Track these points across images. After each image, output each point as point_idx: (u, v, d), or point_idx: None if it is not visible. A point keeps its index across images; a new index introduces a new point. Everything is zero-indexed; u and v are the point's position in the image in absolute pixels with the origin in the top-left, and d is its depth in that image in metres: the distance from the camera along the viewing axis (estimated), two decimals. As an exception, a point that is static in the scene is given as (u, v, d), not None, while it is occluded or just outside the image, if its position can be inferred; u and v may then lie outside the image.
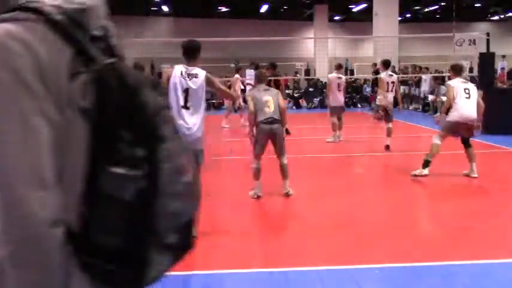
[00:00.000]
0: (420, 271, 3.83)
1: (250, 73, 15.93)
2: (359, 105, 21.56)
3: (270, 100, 5.94)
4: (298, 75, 26.15)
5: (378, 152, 9.60)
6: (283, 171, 6.17)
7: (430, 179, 7.17)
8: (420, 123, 14.25)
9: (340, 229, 4.99)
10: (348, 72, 28.27)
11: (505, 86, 14.46)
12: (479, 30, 19.59)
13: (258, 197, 6.11)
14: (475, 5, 32.88)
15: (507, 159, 9.05)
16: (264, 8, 31.92)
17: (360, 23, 31.11)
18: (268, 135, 5.94)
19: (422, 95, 18.84)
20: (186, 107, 4.40)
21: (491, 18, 38.10)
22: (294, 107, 21.30)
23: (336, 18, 36.17)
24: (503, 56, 20.84)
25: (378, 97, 9.95)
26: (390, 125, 9.56)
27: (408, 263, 4.00)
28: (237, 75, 14.92)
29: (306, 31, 34.84)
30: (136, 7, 31.28)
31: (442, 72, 23.21)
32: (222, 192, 6.54)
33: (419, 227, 5.20)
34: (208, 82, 4.54)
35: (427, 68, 20.89)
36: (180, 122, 4.28)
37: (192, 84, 4.43)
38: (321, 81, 25.23)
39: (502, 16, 36.88)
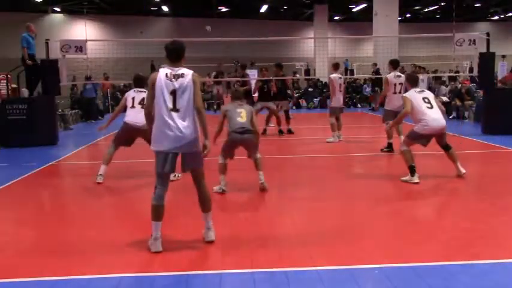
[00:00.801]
0: (420, 271, 3.82)
1: (251, 73, 15.95)
2: (359, 105, 21.56)
3: (243, 112, 6.36)
4: (297, 75, 26.14)
5: (378, 152, 9.59)
6: (257, 164, 6.50)
7: (429, 179, 7.16)
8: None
9: (340, 229, 4.99)
10: (348, 72, 28.25)
11: (505, 86, 14.43)
12: (479, 30, 19.56)
13: (223, 191, 6.34)
14: (475, 5, 32.87)
15: (507, 159, 9.04)
16: (264, 8, 31.91)
17: (359, 23, 31.11)
18: (239, 143, 6.40)
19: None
20: (175, 109, 4.31)
21: (491, 18, 38.10)
22: (294, 107, 21.32)
23: (336, 18, 36.17)
24: (503, 56, 20.82)
25: (386, 100, 9.35)
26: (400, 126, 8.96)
27: (408, 263, 4.00)
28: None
29: (306, 31, 34.84)
30: (136, 7, 31.27)
31: (444, 72, 23.26)
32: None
33: (419, 227, 5.19)
34: (194, 82, 4.38)
35: (424, 68, 20.89)
36: (172, 124, 4.26)
37: (178, 84, 4.33)
38: (321, 81, 25.23)
39: (502, 16, 36.87)
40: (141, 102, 7.04)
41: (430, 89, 17.99)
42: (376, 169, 8.46)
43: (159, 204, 4.40)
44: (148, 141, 4.70)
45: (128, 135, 7.41)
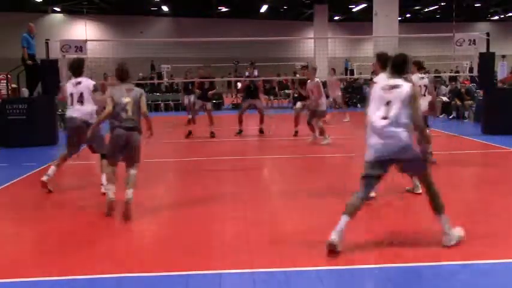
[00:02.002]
0: (420, 271, 3.82)
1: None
2: (359, 105, 21.54)
3: (130, 103, 5.45)
4: (297, 75, 26.13)
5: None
6: (128, 179, 5.52)
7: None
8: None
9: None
10: (348, 72, 28.27)
11: (505, 86, 14.44)
12: (479, 30, 19.56)
13: (111, 201, 5.50)
14: (475, 5, 32.88)
15: (507, 159, 9.04)
16: (264, 8, 31.92)
17: (359, 23, 31.11)
18: (122, 142, 5.47)
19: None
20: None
21: (491, 18, 38.10)
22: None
23: (336, 18, 36.19)
24: (503, 56, 20.82)
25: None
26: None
27: (408, 263, 4.00)
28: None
29: (306, 31, 34.86)
30: (136, 7, 31.28)
31: (445, 72, 23.25)
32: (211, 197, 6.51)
33: (419, 227, 5.19)
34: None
35: (424, 68, 20.89)
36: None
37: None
38: (321, 82, 25.25)
39: (502, 16, 36.88)
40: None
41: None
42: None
43: None
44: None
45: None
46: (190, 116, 13.06)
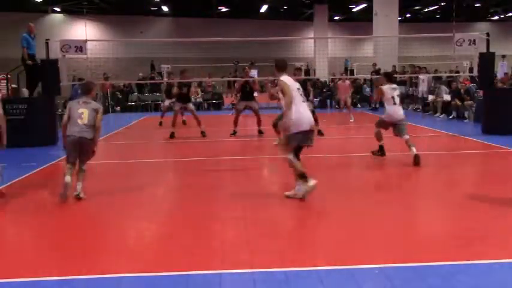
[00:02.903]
0: (420, 271, 3.83)
1: (251, 73, 15.95)
2: (359, 105, 21.55)
3: (85, 112, 6.28)
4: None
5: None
6: (80, 175, 6.40)
7: (428, 180, 7.16)
8: (420, 124, 14.24)
9: (340, 229, 4.99)
10: (348, 72, 28.28)
11: (505, 86, 14.44)
12: (479, 30, 19.58)
13: (65, 198, 6.12)
14: (475, 5, 32.89)
15: (507, 159, 9.04)
16: (264, 8, 31.92)
17: (359, 23, 31.13)
18: (76, 145, 6.29)
19: (420, 95, 18.83)
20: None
21: (491, 18, 38.11)
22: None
23: (336, 18, 36.19)
24: (503, 56, 20.83)
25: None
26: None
27: (408, 263, 4.00)
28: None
29: (306, 31, 34.86)
30: (136, 7, 31.28)
31: (445, 72, 23.25)
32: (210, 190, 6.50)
33: (419, 227, 5.20)
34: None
35: (424, 68, 20.90)
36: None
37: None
38: (321, 81, 25.25)
39: (502, 16, 36.88)
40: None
41: (430, 89, 18.02)
42: (376, 168, 8.45)
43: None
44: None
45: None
46: (162, 119, 14.55)
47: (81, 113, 6.25)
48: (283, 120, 6.09)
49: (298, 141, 5.99)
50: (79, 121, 6.22)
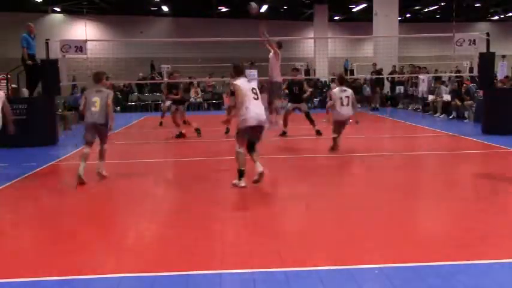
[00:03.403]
0: (420, 271, 3.83)
1: (251, 73, 15.94)
2: (359, 105, 21.58)
3: (98, 100, 7.20)
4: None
5: (379, 152, 9.59)
6: (101, 153, 7.47)
7: (427, 180, 7.15)
8: (420, 124, 14.24)
9: (340, 229, 4.99)
10: (348, 72, 28.30)
11: (505, 86, 14.43)
12: (479, 30, 19.55)
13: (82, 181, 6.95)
14: (475, 5, 32.88)
15: (507, 159, 9.04)
16: (264, 8, 31.89)
17: (359, 23, 31.11)
18: (92, 128, 7.29)
19: (420, 95, 18.83)
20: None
21: (491, 18, 38.09)
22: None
23: (336, 18, 36.17)
24: (503, 56, 20.81)
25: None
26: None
27: (408, 263, 4.00)
28: None
29: (306, 31, 34.83)
30: (136, 7, 31.27)
31: (445, 72, 23.25)
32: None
33: (419, 227, 5.20)
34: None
35: (424, 68, 20.90)
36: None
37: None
38: (321, 81, 25.26)
39: (502, 16, 36.87)
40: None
41: (430, 89, 18.03)
42: (376, 168, 8.45)
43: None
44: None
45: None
46: (162, 119, 15.14)
47: (95, 101, 7.20)
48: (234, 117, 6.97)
49: (248, 136, 6.64)
50: (93, 108, 7.18)
